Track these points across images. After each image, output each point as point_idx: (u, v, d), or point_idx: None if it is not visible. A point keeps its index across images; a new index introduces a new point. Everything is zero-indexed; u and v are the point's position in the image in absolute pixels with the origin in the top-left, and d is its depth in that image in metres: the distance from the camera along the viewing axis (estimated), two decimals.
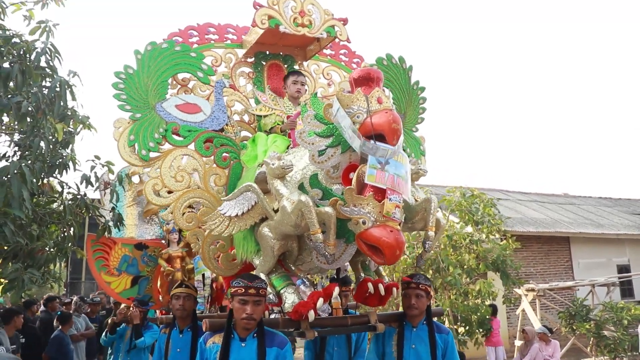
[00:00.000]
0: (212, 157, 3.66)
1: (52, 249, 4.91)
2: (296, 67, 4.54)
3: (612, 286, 12.09)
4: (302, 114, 3.08)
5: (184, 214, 3.54)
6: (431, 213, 3.13)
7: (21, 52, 4.44)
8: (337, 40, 4.27)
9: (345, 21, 4.21)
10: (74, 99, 4.67)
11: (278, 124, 4.05)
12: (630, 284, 15.86)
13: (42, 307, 9.23)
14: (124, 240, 5.39)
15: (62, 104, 4.49)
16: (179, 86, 4.04)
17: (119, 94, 3.51)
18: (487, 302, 8.80)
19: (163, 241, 5.63)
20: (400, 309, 3.91)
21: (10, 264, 4.53)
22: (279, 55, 4.47)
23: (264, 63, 4.41)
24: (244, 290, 2.92)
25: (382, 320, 3.53)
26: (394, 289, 3.42)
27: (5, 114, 4.56)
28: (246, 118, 4.35)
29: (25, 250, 4.56)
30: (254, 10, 3.90)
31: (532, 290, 11.24)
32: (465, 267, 8.38)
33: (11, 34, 4.71)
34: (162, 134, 3.56)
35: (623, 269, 15.90)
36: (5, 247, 4.46)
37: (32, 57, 4.45)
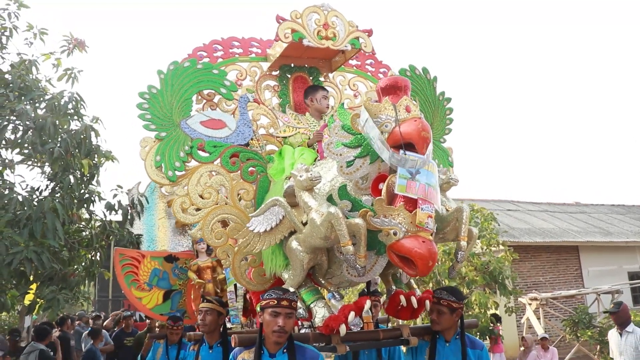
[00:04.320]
0: (239, 172, 3.64)
1: (82, 272, 5.55)
2: (322, 79, 4.52)
3: (616, 293, 12.20)
4: (329, 125, 3.05)
5: (213, 230, 3.53)
6: (463, 223, 3.06)
7: (53, 104, 5.16)
8: (362, 51, 4.23)
9: (370, 32, 4.17)
10: (97, 135, 5.43)
11: (305, 141, 4.02)
12: None
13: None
14: (152, 254, 5.28)
15: (87, 141, 5.21)
16: (205, 101, 4.04)
17: (143, 114, 3.51)
18: (491, 312, 9.08)
19: (193, 252, 5.49)
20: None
21: (46, 287, 5.13)
22: (304, 67, 4.45)
23: (289, 76, 4.40)
24: (276, 302, 2.86)
25: (414, 334, 3.44)
26: (427, 302, 3.33)
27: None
28: (272, 131, 4.33)
29: (59, 274, 5.19)
30: (277, 24, 3.90)
31: (535, 299, 11.68)
32: (466, 278, 8.58)
33: (42, 87, 5.55)
34: (188, 152, 3.55)
35: (635, 275, 15.91)
36: (39, 272, 5.03)
37: (62, 103, 5.18)
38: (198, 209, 3.54)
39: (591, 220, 18.52)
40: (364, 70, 4.72)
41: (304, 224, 3.04)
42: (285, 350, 2.88)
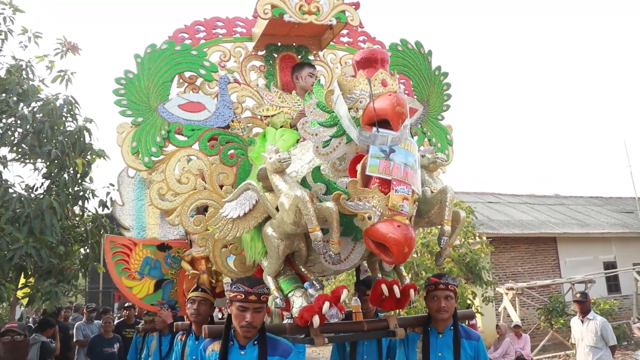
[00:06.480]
0: (218, 156, 3.47)
1: (77, 266, 5.84)
2: (311, 57, 4.30)
3: (589, 283, 12.81)
4: (305, 102, 2.85)
5: (192, 217, 3.38)
6: (447, 205, 2.83)
7: (49, 109, 5.43)
8: (349, 25, 3.99)
9: (357, 5, 3.91)
10: (90, 135, 5.75)
11: (287, 121, 3.82)
12: (617, 279, 16.30)
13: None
14: (145, 242, 5.11)
15: (81, 141, 5.56)
16: (186, 84, 3.87)
17: (119, 100, 3.35)
18: (469, 301, 9.42)
19: (187, 241, 5.27)
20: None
21: (44, 280, 5.42)
22: (292, 46, 4.22)
23: (276, 55, 4.18)
24: (243, 296, 2.71)
25: (403, 325, 3.22)
26: (411, 291, 3.11)
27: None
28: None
29: (56, 268, 5.45)
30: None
31: (512, 289, 12.39)
32: (444, 270, 8.69)
33: (36, 86, 5.80)
34: (165, 136, 3.39)
35: (609, 265, 16.47)
36: (38, 266, 5.24)
37: (57, 105, 5.50)
38: (176, 195, 3.40)
39: (569, 212, 18.87)
40: (356, 47, 4.45)
41: (277, 209, 2.86)
42: (255, 342, 2.74)
